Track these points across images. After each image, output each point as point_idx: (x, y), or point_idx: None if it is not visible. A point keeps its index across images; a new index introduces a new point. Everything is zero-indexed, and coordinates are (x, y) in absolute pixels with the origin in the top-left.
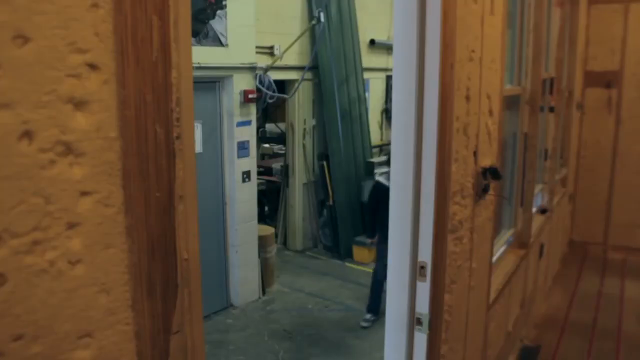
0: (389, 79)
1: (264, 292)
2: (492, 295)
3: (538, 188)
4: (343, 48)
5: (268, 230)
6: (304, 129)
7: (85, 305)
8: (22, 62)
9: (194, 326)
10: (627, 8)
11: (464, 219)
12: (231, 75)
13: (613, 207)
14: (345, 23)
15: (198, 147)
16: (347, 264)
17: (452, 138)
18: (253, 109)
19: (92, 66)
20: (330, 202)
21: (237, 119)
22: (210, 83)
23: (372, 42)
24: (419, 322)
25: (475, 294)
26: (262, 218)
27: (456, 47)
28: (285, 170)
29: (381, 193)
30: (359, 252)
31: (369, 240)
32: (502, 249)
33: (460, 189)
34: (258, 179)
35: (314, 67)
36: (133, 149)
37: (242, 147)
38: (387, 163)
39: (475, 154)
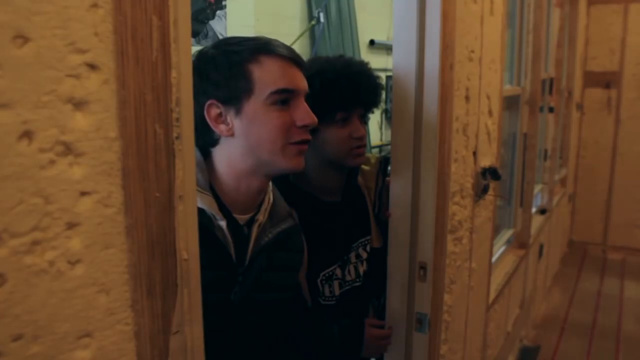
0: (388, 79)
1: None
2: (492, 296)
3: (537, 188)
4: (343, 48)
5: None
6: None
7: (84, 305)
8: (21, 62)
9: (194, 326)
10: (626, 8)
11: (464, 219)
12: None
13: (612, 207)
14: (345, 23)
15: None
16: None
17: (452, 138)
18: None
19: (92, 66)
20: None
21: None
22: None
23: (371, 42)
24: (418, 322)
25: (475, 294)
26: None
27: (456, 47)
28: None
29: None
30: None
31: None
32: (501, 249)
33: (459, 189)
34: None
35: None
36: (133, 149)
37: None
38: None
39: (474, 154)
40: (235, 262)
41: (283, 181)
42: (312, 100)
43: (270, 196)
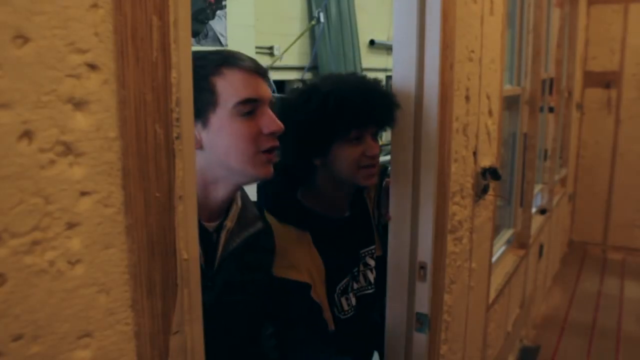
0: (388, 79)
1: None
2: (492, 296)
3: (538, 188)
4: (343, 48)
5: None
6: None
7: (84, 305)
8: (21, 62)
9: (194, 326)
10: (626, 8)
11: (464, 219)
12: None
13: (612, 207)
14: (345, 23)
15: None
16: None
17: (452, 138)
18: None
19: (92, 66)
20: None
21: None
22: None
23: (371, 42)
24: (418, 322)
25: (475, 294)
26: None
27: (456, 47)
28: None
29: None
30: None
31: None
32: (501, 249)
33: (459, 189)
34: None
35: (314, 68)
36: (133, 149)
37: None
38: None
39: (474, 154)
40: (204, 268)
41: (295, 204)
42: (327, 117)
43: (238, 202)
